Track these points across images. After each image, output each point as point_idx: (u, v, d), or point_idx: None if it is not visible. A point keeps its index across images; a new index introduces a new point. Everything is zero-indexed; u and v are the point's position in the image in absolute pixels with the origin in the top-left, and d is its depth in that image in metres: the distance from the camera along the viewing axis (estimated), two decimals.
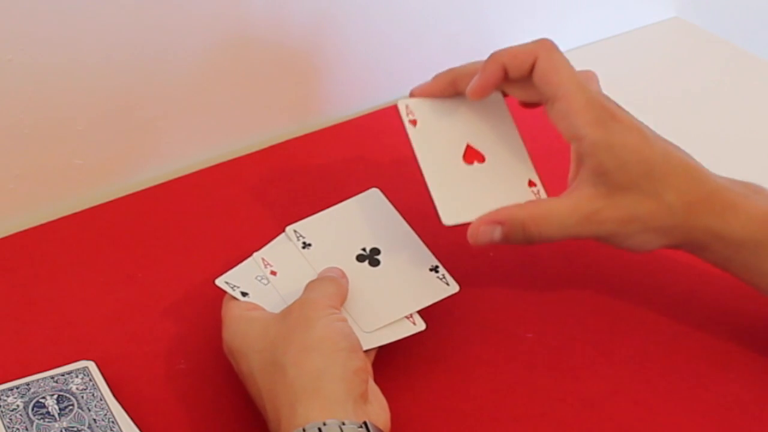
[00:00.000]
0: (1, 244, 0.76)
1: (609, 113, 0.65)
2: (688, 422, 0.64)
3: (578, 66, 0.78)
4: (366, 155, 0.86)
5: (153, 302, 0.71)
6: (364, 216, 0.70)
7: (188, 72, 0.82)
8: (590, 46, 1.05)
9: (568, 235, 0.65)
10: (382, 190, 0.71)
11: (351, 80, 0.92)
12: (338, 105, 0.92)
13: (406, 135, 0.68)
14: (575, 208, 0.65)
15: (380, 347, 0.64)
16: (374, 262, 0.68)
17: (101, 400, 0.62)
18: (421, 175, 0.67)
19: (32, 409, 0.61)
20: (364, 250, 0.68)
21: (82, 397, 0.62)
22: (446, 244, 0.69)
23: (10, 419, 0.60)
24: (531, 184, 0.69)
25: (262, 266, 0.67)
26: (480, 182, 0.68)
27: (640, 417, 0.64)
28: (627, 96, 0.97)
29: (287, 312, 0.61)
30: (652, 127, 0.91)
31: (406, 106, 0.69)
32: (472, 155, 0.69)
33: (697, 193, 0.65)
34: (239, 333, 0.61)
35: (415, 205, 0.79)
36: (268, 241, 0.69)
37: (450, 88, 0.69)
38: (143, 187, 0.82)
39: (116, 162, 0.82)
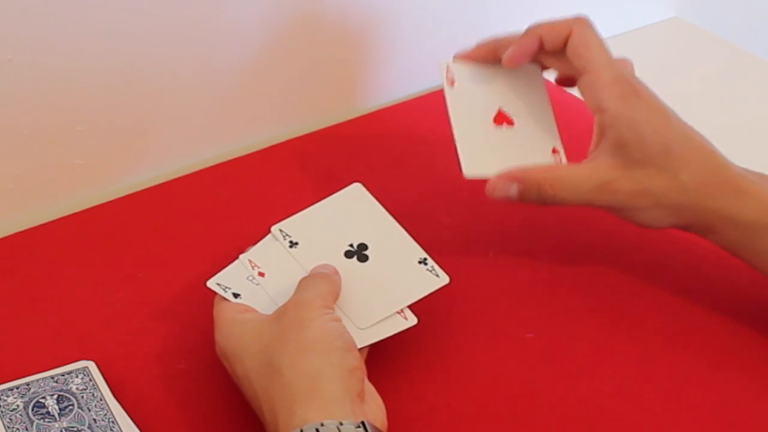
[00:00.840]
0: (1, 244, 0.76)
1: (634, 90, 0.67)
2: (688, 422, 0.64)
3: None
4: (366, 155, 0.86)
5: (153, 302, 0.71)
6: (349, 211, 0.70)
7: (188, 72, 0.82)
8: None
9: (582, 201, 0.68)
10: (382, 189, 0.71)
11: (351, 80, 0.92)
12: (338, 105, 0.92)
13: (443, 95, 0.72)
14: (592, 175, 0.67)
15: (377, 347, 0.64)
16: (363, 258, 0.68)
17: (101, 400, 0.62)
18: (451, 132, 0.70)
19: (32, 409, 0.61)
20: (351, 246, 0.68)
21: (82, 397, 0.62)
22: (446, 244, 0.69)
23: (10, 419, 0.60)
24: (554, 151, 0.71)
25: (250, 268, 0.67)
26: (505, 143, 0.71)
27: (640, 417, 0.64)
28: None
29: (281, 313, 0.61)
30: None
31: (447, 67, 0.73)
32: (502, 118, 0.72)
33: (711, 176, 0.66)
34: (233, 335, 0.61)
35: (415, 204, 0.79)
36: None
37: (491, 55, 0.73)
38: (143, 187, 0.82)
39: (116, 162, 0.82)
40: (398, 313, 0.65)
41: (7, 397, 0.62)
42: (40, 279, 0.73)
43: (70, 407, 0.62)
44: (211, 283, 0.66)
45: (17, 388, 0.63)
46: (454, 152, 0.70)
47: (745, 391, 0.66)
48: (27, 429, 0.60)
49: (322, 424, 0.54)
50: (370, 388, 0.60)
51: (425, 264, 0.67)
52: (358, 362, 0.59)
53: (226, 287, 0.65)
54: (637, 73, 0.98)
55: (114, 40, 0.77)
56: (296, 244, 0.68)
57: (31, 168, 0.78)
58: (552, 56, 0.71)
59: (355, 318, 0.64)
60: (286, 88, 0.89)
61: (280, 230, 0.69)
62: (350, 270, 0.66)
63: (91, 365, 0.65)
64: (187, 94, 0.83)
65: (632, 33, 1.07)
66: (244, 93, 0.87)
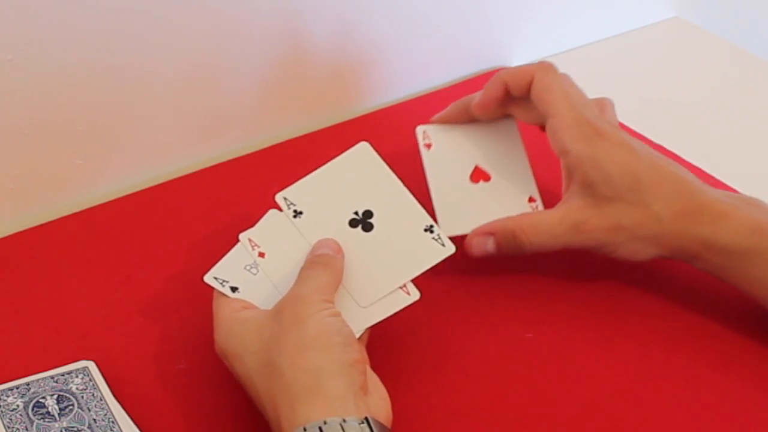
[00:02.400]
0: (1, 244, 0.76)
1: (595, 130, 0.68)
2: (688, 422, 0.64)
3: (579, 66, 0.78)
4: None
5: (153, 302, 0.71)
6: (355, 174, 0.69)
7: (188, 72, 0.82)
8: (590, 46, 1.05)
9: (558, 244, 0.69)
10: None
11: (351, 80, 0.92)
12: (338, 105, 0.92)
13: (420, 159, 0.74)
14: (564, 217, 0.68)
15: (378, 347, 0.64)
16: (367, 227, 0.67)
17: (101, 400, 0.62)
18: (429, 195, 0.71)
19: (32, 409, 0.61)
20: (356, 214, 0.67)
21: (82, 397, 0.62)
22: None
23: (10, 419, 0.60)
24: (531, 200, 0.73)
25: (250, 248, 0.66)
26: (482, 199, 0.73)
27: (640, 417, 0.64)
28: (627, 96, 0.97)
29: (279, 309, 0.61)
30: (651, 127, 0.91)
31: (423, 132, 0.75)
32: (478, 175, 0.74)
33: (686, 203, 0.67)
34: (233, 335, 0.61)
35: None
36: None
37: (464, 113, 0.75)
38: (143, 187, 0.82)
39: (116, 162, 0.82)
40: (401, 288, 0.65)
41: (7, 397, 0.62)
42: (40, 279, 0.73)
43: (70, 407, 0.62)
44: (208, 278, 0.65)
45: (17, 388, 0.63)
46: None
47: (745, 392, 0.66)
48: (27, 429, 0.60)
49: (325, 422, 0.54)
50: (373, 379, 0.60)
51: (431, 232, 0.67)
52: (358, 355, 0.59)
53: (224, 281, 0.65)
54: (637, 74, 0.98)
55: (114, 40, 0.77)
56: (300, 213, 0.67)
57: (31, 168, 0.78)
58: (519, 105, 0.72)
59: (357, 296, 0.64)
60: (286, 88, 0.89)
61: (285, 198, 0.68)
62: (354, 240, 0.66)
63: (91, 365, 0.65)
64: (188, 94, 0.83)
65: (632, 33, 1.07)
66: (244, 93, 0.86)
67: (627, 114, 0.92)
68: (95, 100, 0.79)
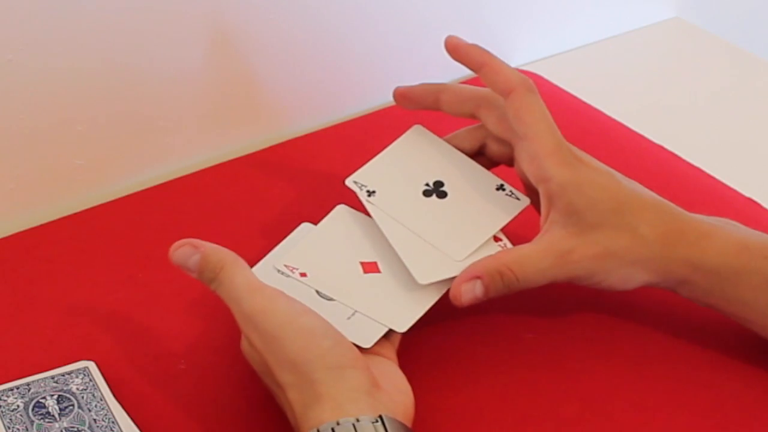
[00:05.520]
0: (1, 244, 0.76)
1: (576, 157, 0.66)
2: (688, 422, 0.64)
3: (579, 66, 0.78)
4: (366, 155, 0.86)
5: (153, 302, 0.71)
6: (416, 152, 0.70)
7: (188, 72, 0.82)
8: (590, 46, 1.05)
9: (546, 279, 0.65)
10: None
11: (351, 80, 0.92)
12: (338, 105, 0.92)
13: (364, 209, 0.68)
14: (548, 249, 0.65)
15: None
16: (441, 195, 0.68)
17: (101, 400, 0.62)
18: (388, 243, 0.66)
19: (32, 410, 0.61)
20: (428, 185, 0.68)
21: (83, 397, 0.62)
22: None
23: (10, 419, 0.60)
24: (496, 239, 0.68)
25: (288, 272, 0.65)
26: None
27: (639, 417, 0.64)
28: (626, 96, 0.98)
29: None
30: (651, 127, 0.91)
31: (354, 182, 0.69)
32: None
33: (670, 224, 0.65)
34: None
35: None
36: (268, 241, 0.68)
37: (432, 97, 0.71)
38: (143, 187, 0.82)
39: (116, 162, 0.82)
40: (495, 240, 0.66)
41: (7, 397, 0.62)
42: (40, 279, 0.73)
43: (70, 407, 0.62)
44: (278, 265, 0.65)
45: (17, 388, 0.63)
46: None
47: (745, 392, 0.66)
48: (27, 429, 0.60)
49: (338, 423, 0.54)
50: (389, 372, 0.60)
51: (503, 189, 0.68)
52: (350, 353, 0.58)
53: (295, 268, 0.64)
54: (638, 74, 0.98)
55: (114, 40, 0.77)
56: (374, 192, 0.68)
57: (31, 168, 0.78)
58: (491, 110, 0.68)
59: (452, 251, 0.65)
60: (286, 89, 0.89)
61: (355, 182, 0.68)
62: (432, 207, 0.67)
63: (91, 365, 0.65)
64: (187, 95, 0.83)
65: (632, 33, 1.07)
66: (244, 93, 0.87)
67: (627, 114, 0.92)
68: (95, 100, 0.79)
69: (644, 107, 0.95)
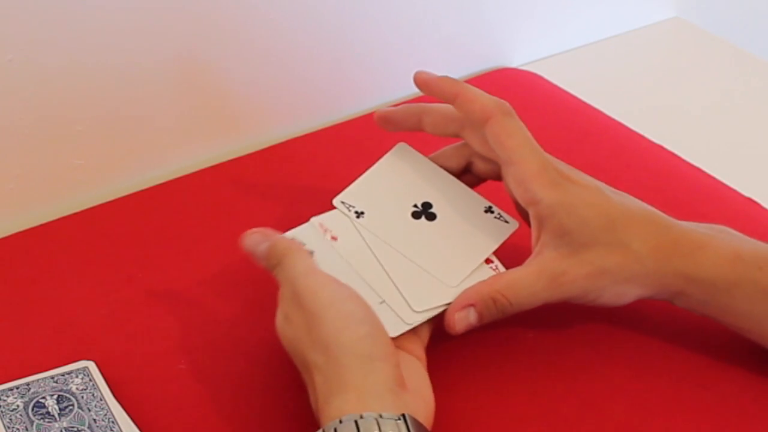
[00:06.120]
0: (1, 244, 0.76)
1: (563, 176, 0.65)
2: (688, 422, 0.64)
3: (579, 66, 0.78)
4: (366, 155, 0.86)
5: (153, 302, 0.71)
6: (402, 172, 0.70)
7: (189, 72, 0.82)
8: (590, 46, 1.05)
9: (540, 301, 0.65)
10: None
11: (350, 80, 0.92)
12: (338, 105, 0.92)
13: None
14: (540, 272, 0.64)
15: None
16: (430, 216, 0.68)
17: (101, 400, 0.62)
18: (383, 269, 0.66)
19: (32, 409, 0.61)
20: (416, 206, 0.68)
21: (82, 397, 0.62)
22: None
23: (10, 419, 0.60)
24: (488, 261, 0.68)
25: (321, 231, 0.66)
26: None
27: (639, 417, 0.64)
28: (626, 96, 0.98)
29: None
30: (651, 127, 0.91)
31: (342, 203, 0.69)
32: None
33: (662, 237, 0.64)
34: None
35: None
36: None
37: (414, 119, 0.70)
38: (143, 187, 0.82)
39: (116, 162, 0.82)
40: (487, 262, 0.66)
41: (7, 397, 0.62)
42: (40, 279, 0.73)
43: (70, 407, 0.62)
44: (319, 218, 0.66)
45: (17, 388, 0.63)
46: None
47: (745, 392, 0.66)
48: (27, 429, 0.60)
49: (361, 416, 0.54)
50: (417, 376, 0.60)
51: (492, 212, 0.68)
52: (385, 347, 0.58)
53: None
54: (637, 74, 0.98)
55: (114, 40, 0.77)
56: (362, 213, 0.68)
57: (31, 168, 0.78)
58: (475, 133, 0.67)
59: (445, 277, 0.65)
60: (286, 88, 0.89)
61: (342, 202, 0.68)
62: (422, 230, 0.67)
63: (91, 365, 0.65)
64: (187, 95, 0.83)
65: (632, 33, 1.07)
66: (244, 93, 0.87)
67: (627, 114, 0.92)
68: (95, 100, 0.79)
69: (644, 107, 0.95)
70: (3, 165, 0.77)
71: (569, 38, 1.04)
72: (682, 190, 0.82)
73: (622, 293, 0.65)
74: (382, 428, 0.53)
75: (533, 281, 0.64)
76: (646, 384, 0.67)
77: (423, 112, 0.70)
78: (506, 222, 0.68)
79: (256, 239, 0.64)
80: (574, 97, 0.94)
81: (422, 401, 0.59)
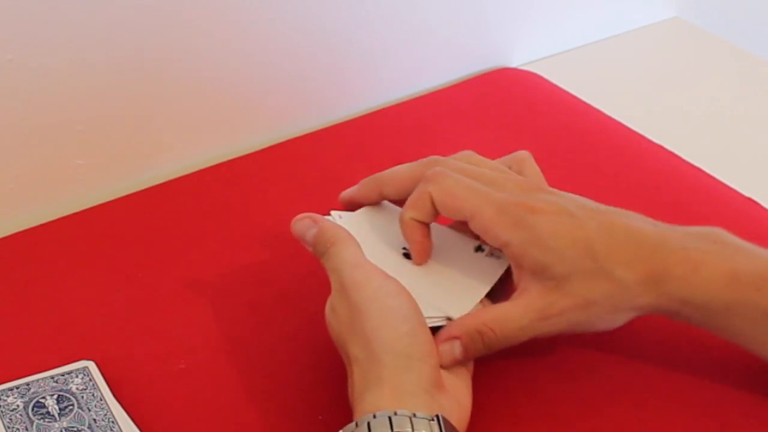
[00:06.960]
0: (1, 244, 0.76)
1: (526, 208, 0.62)
2: (688, 422, 0.64)
3: (579, 66, 0.78)
4: (366, 155, 0.86)
5: (153, 302, 0.71)
6: (386, 218, 0.68)
7: (188, 72, 0.82)
8: (590, 46, 1.05)
9: (527, 335, 0.62)
10: None
11: (350, 81, 0.92)
12: (338, 105, 0.92)
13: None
14: (527, 306, 0.62)
15: None
16: None
17: (101, 400, 0.62)
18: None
19: (32, 409, 0.61)
20: (405, 248, 0.66)
21: (82, 397, 0.62)
22: None
23: (10, 419, 0.60)
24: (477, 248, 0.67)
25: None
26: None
27: (639, 417, 0.64)
28: (626, 96, 0.98)
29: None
30: (651, 127, 0.91)
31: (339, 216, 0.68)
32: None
33: (650, 262, 0.61)
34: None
35: None
36: (268, 241, 0.68)
37: (375, 192, 0.68)
38: (143, 187, 0.82)
39: (116, 162, 0.82)
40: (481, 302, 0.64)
41: (7, 397, 0.62)
42: (40, 279, 0.73)
43: (70, 407, 0.62)
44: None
45: (17, 388, 0.63)
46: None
47: (745, 392, 0.66)
48: (27, 429, 0.60)
49: (395, 413, 0.54)
50: (456, 381, 0.60)
51: (482, 251, 0.67)
52: (426, 346, 0.58)
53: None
54: (637, 74, 0.97)
55: (114, 41, 0.77)
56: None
57: (31, 168, 0.78)
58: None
59: (448, 309, 0.63)
60: (286, 88, 0.89)
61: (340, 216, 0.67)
62: (413, 271, 0.65)
63: (91, 365, 0.65)
64: (187, 95, 0.83)
65: (632, 33, 1.08)
66: (244, 93, 0.87)
67: (626, 114, 0.92)
68: (95, 99, 0.79)
69: (644, 107, 0.95)
70: (3, 165, 0.77)
71: (569, 38, 1.04)
72: (682, 190, 0.82)
73: (614, 320, 0.63)
74: (415, 426, 0.53)
75: (521, 315, 0.62)
76: (646, 384, 0.67)
77: (381, 183, 0.68)
78: (498, 258, 0.66)
79: (306, 224, 0.64)
80: (574, 97, 0.94)
81: (457, 404, 0.59)
